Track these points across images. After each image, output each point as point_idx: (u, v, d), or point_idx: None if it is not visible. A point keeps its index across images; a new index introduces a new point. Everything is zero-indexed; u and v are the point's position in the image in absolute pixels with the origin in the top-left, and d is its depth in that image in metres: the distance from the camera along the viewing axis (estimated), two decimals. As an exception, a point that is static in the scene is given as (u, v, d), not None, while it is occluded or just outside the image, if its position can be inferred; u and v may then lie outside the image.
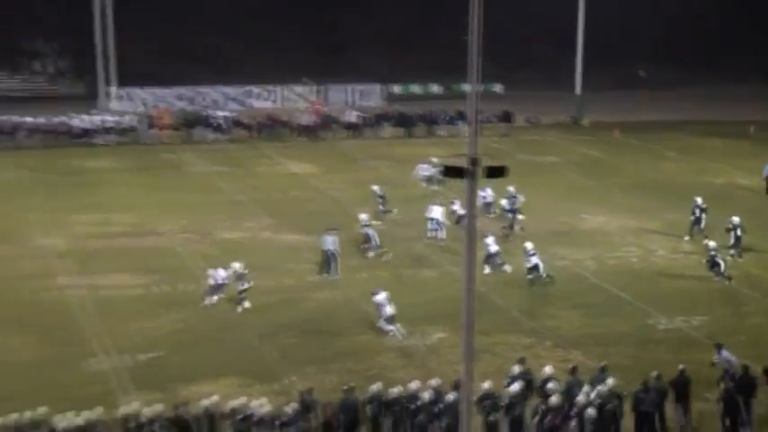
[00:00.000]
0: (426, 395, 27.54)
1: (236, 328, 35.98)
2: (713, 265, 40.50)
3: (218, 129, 71.48)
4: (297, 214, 50.18)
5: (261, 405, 27.01)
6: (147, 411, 26.56)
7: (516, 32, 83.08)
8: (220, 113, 74.44)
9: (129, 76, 78.16)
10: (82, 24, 77.04)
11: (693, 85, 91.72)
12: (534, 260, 40.38)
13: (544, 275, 40.32)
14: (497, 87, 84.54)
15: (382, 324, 35.41)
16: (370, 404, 27.66)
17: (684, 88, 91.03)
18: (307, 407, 27.33)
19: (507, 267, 41.59)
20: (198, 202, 52.59)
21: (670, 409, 28.26)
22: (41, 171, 60.08)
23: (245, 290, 37.64)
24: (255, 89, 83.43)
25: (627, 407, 27.68)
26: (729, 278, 40.45)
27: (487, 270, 41.00)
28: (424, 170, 56.76)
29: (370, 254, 43.69)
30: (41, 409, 26.14)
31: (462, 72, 22.84)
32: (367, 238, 44.04)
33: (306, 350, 34.03)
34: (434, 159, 56.14)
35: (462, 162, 22.01)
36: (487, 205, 49.47)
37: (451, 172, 22.66)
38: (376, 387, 28.10)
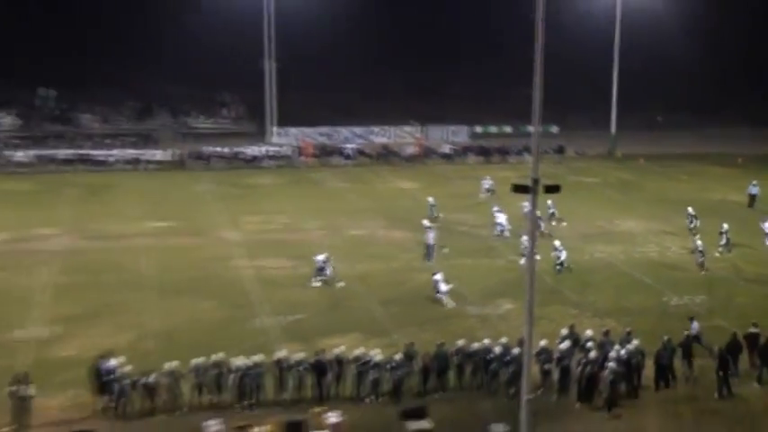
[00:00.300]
0: (497, 349, 27.43)
1: (359, 297, 35.99)
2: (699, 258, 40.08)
3: (347, 157, 71.75)
4: (404, 218, 49.93)
5: (376, 354, 27.11)
6: (295, 356, 26.90)
7: (568, 87, 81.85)
8: (349, 146, 74.75)
9: (286, 119, 78.87)
10: (255, 83, 78.09)
11: (699, 126, 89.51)
12: (562, 254, 39.53)
13: (564, 266, 39.31)
14: (553, 128, 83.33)
15: (441, 296, 35.18)
16: (456, 355, 27.64)
17: (692, 129, 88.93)
18: (410, 356, 27.36)
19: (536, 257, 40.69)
20: (332, 208, 52.62)
21: (678, 363, 27.76)
22: (224, 185, 60.78)
23: (323, 276, 37.44)
24: (376, 128, 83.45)
25: (648, 361, 27.32)
26: (703, 268, 39.73)
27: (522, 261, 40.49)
28: (486, 184, 56.86)
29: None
30: (220, 354, 26.56)
31: (527, 117, 22.79)
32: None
33: (409, 315, 33.90)
34: (488, 177, 57.21)
35: (527, 181, 22.19)
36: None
37: (519, 189, 22.64)
38: (461, 342, 28.13)
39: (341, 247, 43.52)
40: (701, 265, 39.73)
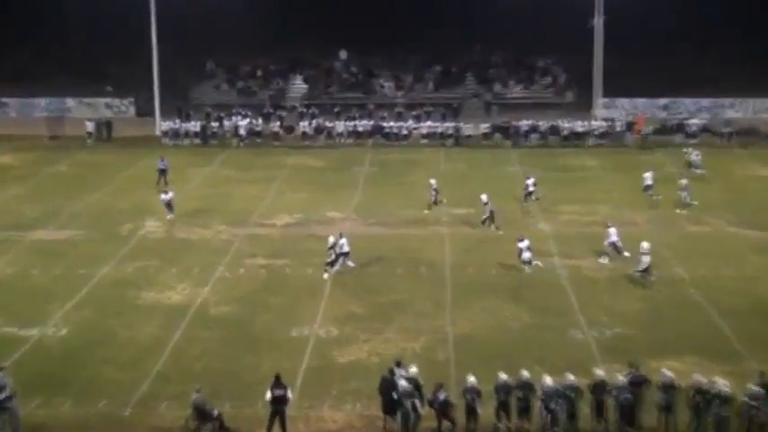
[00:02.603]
0: None
1: (698, 309, 34.46)
2: None
3: (691, 135, 69.01)
4: (759, 212, 47.40)
5: (723, 384, 25.21)
6: (616, 380, 25.80)
7: None
8: (694, 121, 71.91)
9: (615, 88, 76.94)
10: (578, 46, 76.55)
11: None
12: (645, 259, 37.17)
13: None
14: None
15: (523, 263, 38.15)
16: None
17: None
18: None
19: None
20: (667, 197, 49.58)
21: None
22: (537, 166, 59.75)
23: (331, 261, 38.35)
24: (728, 101, 79.57)
25: None
26: None
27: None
28: (694, 155, 57.69)
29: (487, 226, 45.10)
30: (524, 372, 25.95)
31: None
32: (488, 212, 45.21)
33: (764, 335, 31.78)
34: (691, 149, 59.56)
35: None
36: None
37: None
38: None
39: (676, 245, 41.97)
40: None
